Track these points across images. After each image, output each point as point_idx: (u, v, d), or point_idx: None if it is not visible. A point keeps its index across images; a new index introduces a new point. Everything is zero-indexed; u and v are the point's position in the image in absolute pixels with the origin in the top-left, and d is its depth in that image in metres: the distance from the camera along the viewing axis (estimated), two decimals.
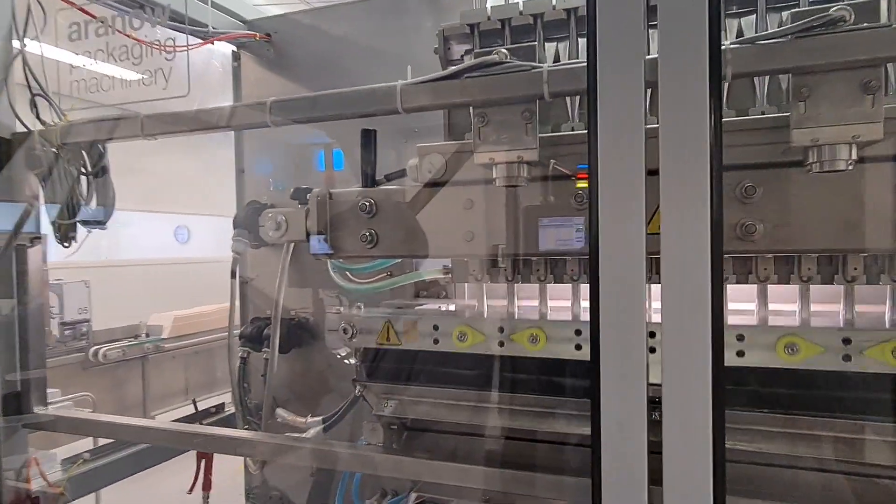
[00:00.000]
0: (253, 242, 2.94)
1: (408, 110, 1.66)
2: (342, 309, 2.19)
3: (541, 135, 1.67)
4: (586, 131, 1.32)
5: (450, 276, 2.32)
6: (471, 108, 1.65)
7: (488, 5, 2.16)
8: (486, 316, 2.16)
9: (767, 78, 1.78)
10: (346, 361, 2.75)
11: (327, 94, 1.78)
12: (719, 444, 1.25)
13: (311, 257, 2.19)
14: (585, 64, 1.30)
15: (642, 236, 1.29)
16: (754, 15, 1.79)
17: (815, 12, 1.27)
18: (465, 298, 2.68)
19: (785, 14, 1.34)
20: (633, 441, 1.31)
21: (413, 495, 2.25)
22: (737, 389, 1.61)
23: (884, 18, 1.34)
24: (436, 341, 1.98)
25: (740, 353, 1.68)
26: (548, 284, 2.20)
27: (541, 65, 1.51)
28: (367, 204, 2.02)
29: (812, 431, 1.49)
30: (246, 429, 2.92)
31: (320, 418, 2.74)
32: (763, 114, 1.75)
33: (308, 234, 2.09)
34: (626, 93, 1.28)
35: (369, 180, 2.11)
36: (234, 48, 3.16)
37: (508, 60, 1.53)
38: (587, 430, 1.37)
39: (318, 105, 1.80)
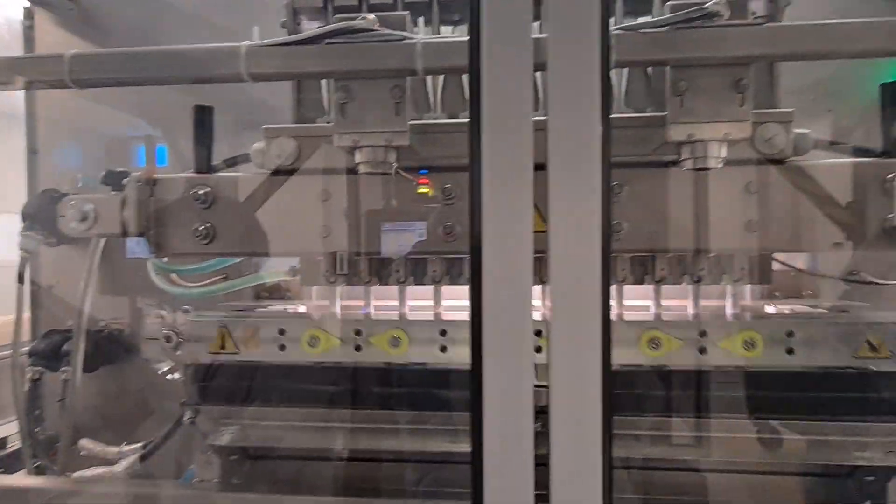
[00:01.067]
0: (49, 239, 2.40)
1: (255, 77, 1.39)
2: (164, 314, 1.84)
3: (411, 122, 1.51)
4: (468, 120, 1.18)
5: (297, 277, 2.06)
6: (328, 82, 1.43)
7: None
8: (339, 317, 1.95)
9: (625, 80, 1.79)
10: (169, 377, 2.35)
11: (152, 51, 1.45)
12: (607, 447, 1.18)
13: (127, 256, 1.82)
14: (467, 39, 1.16)
15: (529, 233, 1.18)
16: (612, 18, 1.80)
17: (694, 6, 1.26)
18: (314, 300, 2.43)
19: (666, 6, 1.33)
20: (519, 451, 1.19)
21: None
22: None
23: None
24: (282, 348, 1.73)
25: None
26: (407, 287, 2.05)
27: (413, 36, 1.34)
28: (203, 193, 1.71)
29: (695, 433, 1.50)
30: (35, 467, 2.37)
31: (138, 445, 2.31)
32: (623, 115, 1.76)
33: (124, 228, 1.72)
34: (513, 73, 1.16)
35: (205, 165, 1.79)
36: (27, 3, 2.59)
37: (377, 28, 1.35)
38: (464, 447, 1.22)
39: (137, 63, 1.45)
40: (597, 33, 1.11)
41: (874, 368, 1.60)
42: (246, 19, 2.32)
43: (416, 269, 2.03)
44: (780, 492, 1.53)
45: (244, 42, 1.37)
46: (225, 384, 1.69)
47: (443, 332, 1.78)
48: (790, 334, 1.56)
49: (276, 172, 1.73)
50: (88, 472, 2.04)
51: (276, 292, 2.57)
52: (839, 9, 2.06)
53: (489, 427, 1.18)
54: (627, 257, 1.93)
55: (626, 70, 1.76)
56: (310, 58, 1.38)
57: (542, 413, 1.20)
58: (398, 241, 1.78)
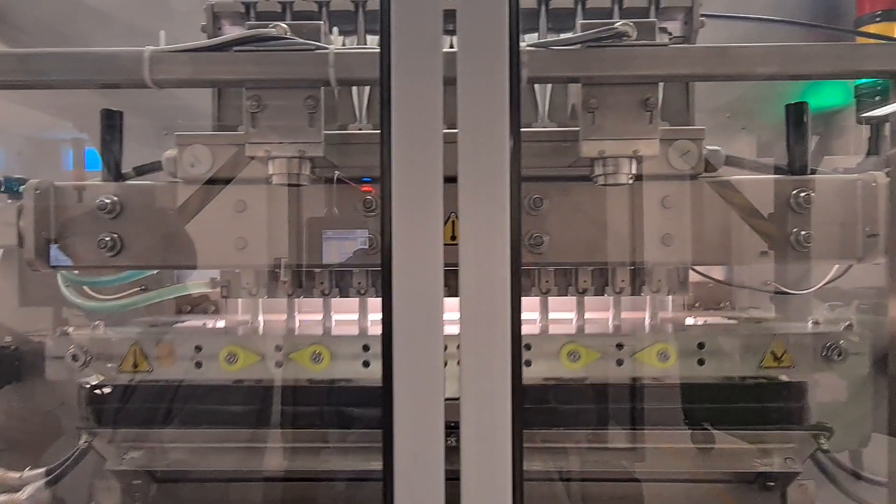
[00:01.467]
0: None
1: (160, 84, 1.33)
2: (71, 329, 1.74)
3: (327, 132, 1.48)
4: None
5: (219, 289, 1.99)
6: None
7: None
8: (261, 332, 1.89)
9: (549, 94, 1.82)
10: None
11: (51, 53, 1.37)
12: (518, 462, 1.17)
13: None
14: (378, 50, 1.15)
15: (439, 246, 1.17)
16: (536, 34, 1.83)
17: (604, 25, 1.28)
18: (238, 314, 2.35)
19: (577, 25, 1.35)
20: (430, 467, 1.17)
21: None
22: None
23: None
24: (198, 365, 1.67)
25: (528, 363, 1.67)
26: (332, 299, 2.01)
27: (327, 45, 1.31)
28: (109, 202, 1.62)
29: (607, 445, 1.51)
30: None
31: (43, 470, 2.16)
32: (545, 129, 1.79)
33: (21, 238, 1.62)
34: (423, 86, 1.15)
35: (113, 173, 1.71)
36: None
37: (290, 37, 1.31)
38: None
39: (35, 65, 1.36)
40: (506, 49, 1.12)
41: (786, 378, 1.67)
42: (167, 22, 2.26)
43: (340, 282, 2.00)
44: (688, 500, 1.57)
45: (148, 46, 1.31)
46: (121, 405, 1.60)
47: (365, 347, 1.75)
48: (701, 346, 1.61)
49: (191, 181, 1.66)
50: None
51: (199, 305, 2.48)
52: (747, 34, 2.18)
53: (399, 443, 1.15)
54: (551, 269, 1.96)
55: (549, 85, 1.78)
56: (218, 65, 1.33)
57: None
58: (328, 250, 1.75)
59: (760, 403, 1.52)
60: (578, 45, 1.29)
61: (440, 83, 1.13)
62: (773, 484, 1.50)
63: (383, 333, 1.17)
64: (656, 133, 1.37)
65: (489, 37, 1.12)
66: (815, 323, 1.78)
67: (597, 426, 1.55)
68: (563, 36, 1.25)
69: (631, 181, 1.43)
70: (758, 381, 1.56)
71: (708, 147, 1.70)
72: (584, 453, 1.52)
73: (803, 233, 1.62)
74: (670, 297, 2.39)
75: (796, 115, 1.69)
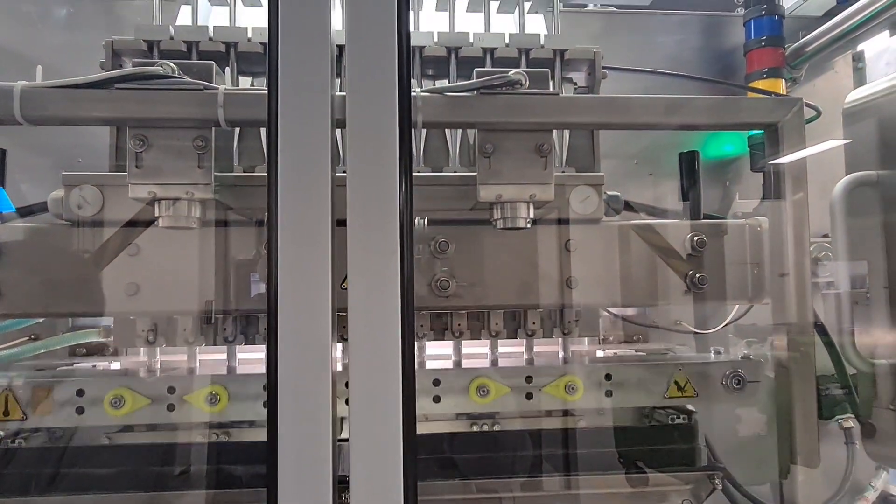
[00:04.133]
0: None
1: (31, 120, 1.26)
2: None
3: (219, 173, 1.43)
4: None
5: (110, 339, 1.87)
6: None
7: (175, 23, 1.88)
8: (157, 373, 1.77)
9: (459, 139, 1.84)
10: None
11: None
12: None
13: None
14: (265, 91, 1.13)
15: (328, 291, 1.13)
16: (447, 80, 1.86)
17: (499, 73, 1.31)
18: (138, 356, 2.22)
19: (474, 72, 1.37)
20: None
21: None
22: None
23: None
24: (80, 411, 1.54)
25: (437, 399, 1.63)
26: (237, 345, 1.93)
27: (216, 86, 1.28)
28: None
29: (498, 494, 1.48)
30: None
31: None
32: (456, 172, 1.80)
33: None
34: (312, 127, 1.13)
35: None
36: None
37: (176, 76, 1.27)
38: None
39: None
40: (394, 93, 1.12)
41: (691, 408, 1.70)
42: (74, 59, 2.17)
43: (247, 329, 1.92)
44: None
45: (19, 81, 1.24)
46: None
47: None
48: (608, 377, 1.62)
49: (79, 223, 1.57)
50: None
51: (97, 351, 2.32)
52: (651, 88, 2.29)
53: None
54: (463, 313, 1.95)
55: (460, 131, 1.80)
56: (97, 102, 1.27)
57: None
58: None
59: (653, 446, 1.53)
60: (473, 92, 1.31)
61: (328, 125, 1.12)
62: None
63: (268, 382, 1.12)
64: (551, 178, 1.40)
65: (379, 80, 1.12)
66: (717, 353, 1.84)
67: (495, 474, 1.52)
68: (457, 83, 1.27)
69: (528, 225, 1.44)
70: (651, 424, 1.58)
71: (608, 193, 1.75)
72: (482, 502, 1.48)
73: (698, 275, 1.68)
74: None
75: (688, 162, 1.78)
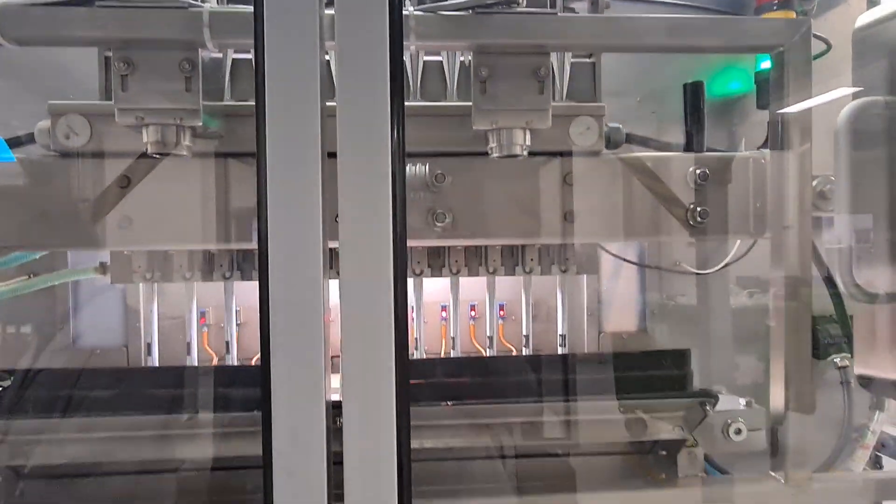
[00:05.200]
0: None
1: (12, 40, 1.21)
2: None
3: (209, 102, 1.40)
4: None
5: (106, 275, 1.87)
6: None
7: None
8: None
9: (457, 70, 1.78)
10: None
11: None
12: (405, 443, 1.14)
13: None
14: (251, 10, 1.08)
15: (318, 224, 1.11)
16: None
17: None
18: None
19: None
20: (312, 452, 1.12)
21: None
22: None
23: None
24: None
25: None
26: (234, 281, 1.94)
27: (201, 4, 1.23)
28: None
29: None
30: None
31: None
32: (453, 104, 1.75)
33: None
34: (300, 52, 1.09)
35: None
36: None
37: None
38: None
39: None
40: (385, 11, 1.07)
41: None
42: None
43: (243, 264, 1.92)
44: (587, 471, 1.57)
45: None
46: None
47: None
48: None
49: (67, 154, 1.54)
50: None
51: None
52: None
53: (278, 422, 1.10)
54: (461, 248, 1.94)
55: (458, 61, 1.74)
56: (76, 21, 1.22)
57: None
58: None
59: (646, 372, 1.54)
60: (468, 11, 1.25)
61: (317, 47, 1.07)
62: (664, 452, 1.53)
63: (260, 315, 1.11)
64: (548, 104, 1.36)
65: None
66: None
67: (489, 399, 1.53)
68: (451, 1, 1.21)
69: (525, 152, 1.41)
70: (643, 351, 1.58)
71: (609, 124, 1.71)
72: (476, 428, 1.50)
73: (699, 209, 1.65)
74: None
75: (693, 93, 1.72)
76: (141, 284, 2.14)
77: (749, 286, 2.41)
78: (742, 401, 1.61)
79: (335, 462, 1.14)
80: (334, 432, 1.14)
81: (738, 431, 1.49)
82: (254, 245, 1.74)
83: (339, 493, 1.15)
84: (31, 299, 2.11)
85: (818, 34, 1.79)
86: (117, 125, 1.44)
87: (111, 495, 1.47)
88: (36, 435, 1.37)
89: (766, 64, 2.30)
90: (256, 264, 1.12)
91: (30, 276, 2.05)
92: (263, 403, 1.10)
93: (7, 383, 1.58)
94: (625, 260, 2.50)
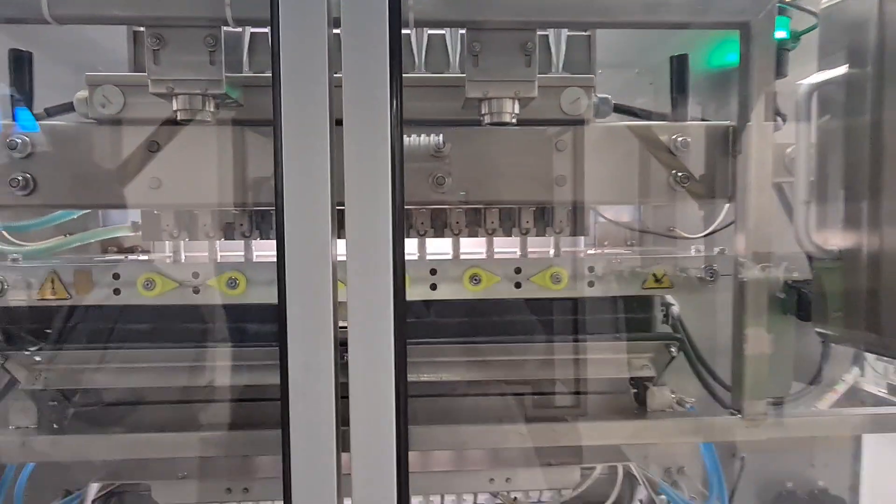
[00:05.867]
0: None
1: (59, 19, 1.37)
2: None
3: (232, 74, 1.55)
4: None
5: (138, 233, 2.05)
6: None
7: None
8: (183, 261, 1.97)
9: (459, 45, 1.91)
10: None
11: None
12: (402, 376, 1.31)
13: None
14: None
15: (327, 185, 1.27)
16: None
17: None
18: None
19: None
20: (322, 383, 1.30)
21: (94, 488, 1.97)
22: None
23: None
24: (117, 292, 1.73)
25: (433, 287, 1.80)
26: (253, 240, 2.10)
27: None
28: (20, 141, 1.66)
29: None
30: None
31: None
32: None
33: None
34: (310, 26, 1.23)
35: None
36: None
37: None
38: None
39: None
40: None
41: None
42: None
43: (262, 224, 2.08)
44: (564, 406, 1.75)
45: None
46: (38, 328, 1.67)
47: None
48: (591, 269, 1.77)
49: (104, 121, 1.71)
50: None
51: (128, 252, 2.52)
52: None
53: (293, 354, 1.27)
54: (462, 211, 2.09)
55: (460, 35, 1.87)
56: (115, 2, 1.38)
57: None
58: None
59: (615, 315, 1.71)
60: None
61: (325, 23, 1.21)
62: (636, 390, 1.69)
63: (278, 271, 1.27)
64: (534, 76, 1.49)
65: None
66: (697, 251, 1.97)
67: (479, 338, 1.70)
68: None
69: (514, 120, 1.55)
70: (614, 296, 1.73)
71: (598, 95, 1.83)
72: (467, 364, 1.67)
73: (680, 174, 1.78)
74: (581, 240, 2.58)
75: (678, 66, 1.84)
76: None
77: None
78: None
79: (342, 395, 1.32)
80: (341, 367, 1.32)
81: (712, 275, 1.68)
82: (270, 206, 1.93)
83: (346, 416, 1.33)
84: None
85: (806, 7, 1.89)
86: (146, 95, 1.61)
87: (148, 420, 1.67)
88: (82, 364, 1.57)
89: None
90: (274, 221, 1.28)
91: (65, 236, 2.24)
92: (280, 343, 1.27)
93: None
94: (622, 225, 2.64)
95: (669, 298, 1.81)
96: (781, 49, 2.35)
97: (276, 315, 1.30)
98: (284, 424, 1.29)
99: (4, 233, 2.09)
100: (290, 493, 1.31)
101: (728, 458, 2.60)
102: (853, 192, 1.44)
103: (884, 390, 2.60)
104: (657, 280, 1.80)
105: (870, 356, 2.45)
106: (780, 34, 2.27)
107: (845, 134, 1.45)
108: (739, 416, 1.57)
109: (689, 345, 1.73)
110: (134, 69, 1.86)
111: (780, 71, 2.42)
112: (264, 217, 2.07)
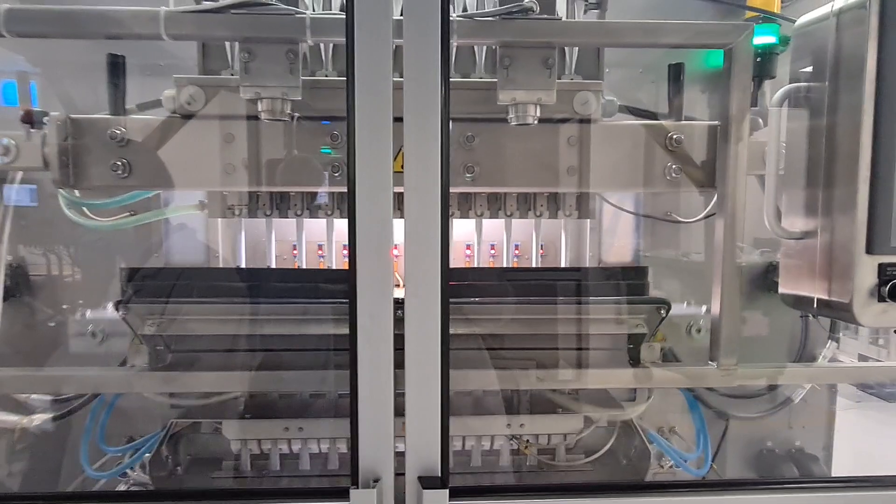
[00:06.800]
0: None
1: (172, 37, 1.68)
2: None
3: (304, 77, 1.86)
4: (344, 78, 1.55)
5: (204, 211, 2.37)
6: (233, 44, 1.75)
7: None
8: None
9: (485, 50, 2.22)
10: None
11: (79, 11, 1.69)
12: (445, 329, 1.63)
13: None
14: (344, 16, 1.52)
15: (389, 171, 1.57)
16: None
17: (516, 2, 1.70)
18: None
19: None
20: (381, 330, 1.61)
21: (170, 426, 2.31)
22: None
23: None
24: None
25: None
26: (304, 219, 2.43)
27: (304, 11, 1.68)
28: (119, 132, 1.97)
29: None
30: None
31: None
32: (481, 79, 2.19)
33: (45, 161, 1.96)
34: (378, 46, 1.53)
35: (118, 109, 2.04)
36: None
37: (272, 2, 1.68)
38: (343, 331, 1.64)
39: (66, 21, 1.69)
40: (438, 19, 1.50)
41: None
42: None
43: (310, 205, 2.41)
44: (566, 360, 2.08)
45: (162, 8, 1.66)
46: (152, 284, 2.00)
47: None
48: None
49: (186, 116, 2.02)
50: None
51: None
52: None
53: (361, 308, 1.58)
54: (484, 196, 2.41)
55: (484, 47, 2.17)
56: (217, 23, 1.68)
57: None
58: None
59: (615, 281, 2.04)
60: (496, 17, 1.69)
61: (390, 42, 1.51)
62: (631, 346, 2.02)
63: (349, 233, 1.59)
64: (554, 85, 1.80)
65: (427, 9, 1.50)
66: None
67: (506, 301, 2.03)
68: (485, 9, 1.64)
69: (535, 121, 1.86)
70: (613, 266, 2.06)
71: (605, 97, 2.14)
72: (493, 322, 2.00)
73: (674, 167, 2.09)
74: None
75: (675, 72, 2.14)
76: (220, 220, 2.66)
77: (761, 247, 2.82)
78: (703, 308, 2.09)
79: (397, 348, 1.63)
80: (396, 322, 1.64)
81: (699, 331, 1.98)
82: (317, 188, 2.25)
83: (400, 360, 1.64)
84: (131, 233, 2.65)
85: (790, 17, 2.19)
86: (222, 95, 1.93)
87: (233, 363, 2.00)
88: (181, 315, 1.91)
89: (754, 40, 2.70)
90: (346, 204, 1.57)
91: (130, 214, 2.56)
92: (350, 300, 1.59)
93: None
94: (623, 209, 2.95)
95: None
96: (771, 53, 2.66)
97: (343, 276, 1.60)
98: (353, 364, 1.61)
99: (85, 209, 2.42)
100: (356, 420, 1.63)
101: (715, 420, 2.95)
102: (813, 183, 1.76)
103: (854, 360, 2.96)
104: None
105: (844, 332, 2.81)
106: (770, 39, 2.59)
107: (808, 134, 1.77)
108: (715, 366, 1.91)
109: None
110: (202, 72, 2.17)
111: (769, 72, 2.73)
112: (313, 198, 2.39)
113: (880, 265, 1.61)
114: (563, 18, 2.10)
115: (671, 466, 2.61)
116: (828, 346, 2.78)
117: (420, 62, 1.53)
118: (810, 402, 3.06)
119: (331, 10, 2.05)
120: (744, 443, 3.13)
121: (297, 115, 1.97)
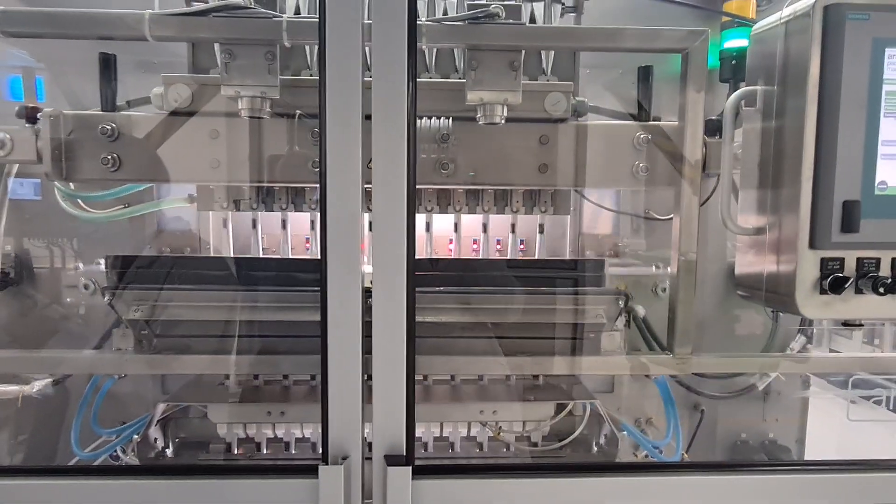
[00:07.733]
0: None
1: (157, 38, 1.79)
2: None
3: (282, 76, 1.96)
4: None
5: (194, 204, 2.47)
6: (217, 45, 1.86)
7: None
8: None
9: (465, 53, 2.30)
10: None
11: (68, 13, 1.79)
12: (411, 316, 1.72)
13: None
14: (317, 19, 1.62)
15: (358, 166, 1.66)
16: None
17: (483, 5, 1.79)
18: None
19: (465, 5, 1.83)
20: (351, 317, 1.70)
21: (159, 409, 2.42)
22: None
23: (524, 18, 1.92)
24: None
25: None
26: (289, 213, 2.53)
27: (281, 14, 1.78)
28: (110, 128, 2.07)
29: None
30: None
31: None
32: (461, 80, 2.27)
33: (39, 155, 2.06)
34: (348, 48, 1.62)
35: (109, 105, 2.15)
36: None
37: (252, 6, 1.78)
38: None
39: (56, 22, 1.79)
40: (405, 21, 1.59)
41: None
42: None
43: (296, 199, 2.51)
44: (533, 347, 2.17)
45: (147, 10, 1.76)
46: (138, 272, 2.11)
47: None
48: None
49: (173, 113, 2.12)
50: None
51: None
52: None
53: (332, 297, 1.67)
54: (462, 192, 2.50)
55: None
56: (200, 27, 1.79)
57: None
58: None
59: (577, 273, 2.13)
60: (463, 22, 1.78)
61: (360, 44, 1.60)
62: (593, 335, 2.11)
63: (321, 225, 1.68)
64: (519, 87, 1.89)
65: (395, 13, 1.59)
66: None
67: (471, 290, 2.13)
68: (451, 14, 1.73)
69: (503, 121, 1.95)
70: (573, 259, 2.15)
71: (576, 98, 2.23)
72: (458, 311, 2.09)
73: (641, 165, 2.18)
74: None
75: (644, 74, 2.23)
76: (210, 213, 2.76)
77: None
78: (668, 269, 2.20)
79: (365, 335, 1.72)
80: (366, 309, 1.73)
81: (664, 290, 2.08)
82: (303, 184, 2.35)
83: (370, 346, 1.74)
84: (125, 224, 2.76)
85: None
86: (208, 93, 2.02)
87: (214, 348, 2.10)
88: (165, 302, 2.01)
89: (729, 44, 2.78)
90: (318, 196, 1.67)
91: (124, 206, 2.67)
92: (322, 288, 1.68)
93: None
94: (602, 207, 3.04)
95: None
96: (744, 56, 2.74)
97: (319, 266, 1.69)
98: (324, 348, 1.71)
99: (80, 201, 2.53)
100: (326, 401, 1.73)
101: (690, 409, 3.04)
102: (764, 182, 1.84)
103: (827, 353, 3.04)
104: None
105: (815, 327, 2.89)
106: (743, 42, 2.67)
107: (761, 136, 1.85)
108: (671, 355, 2.00)
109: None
110: (191, 70, 2.28)
111: (743, 75, 2.81)
112: (298, 192, 2.49)
113: (822, 259, 1.70)
114: (540, 22, 2.20)
115: (645, 456, 2.70)
116: (797, 339, 2.87)
117: (388, 64, 1.61)
118: (784, 394, 3.16)
119: (308, 13, 2.15)
120: (719, 434, 3.22)
121: (299, 112, 2.07)
